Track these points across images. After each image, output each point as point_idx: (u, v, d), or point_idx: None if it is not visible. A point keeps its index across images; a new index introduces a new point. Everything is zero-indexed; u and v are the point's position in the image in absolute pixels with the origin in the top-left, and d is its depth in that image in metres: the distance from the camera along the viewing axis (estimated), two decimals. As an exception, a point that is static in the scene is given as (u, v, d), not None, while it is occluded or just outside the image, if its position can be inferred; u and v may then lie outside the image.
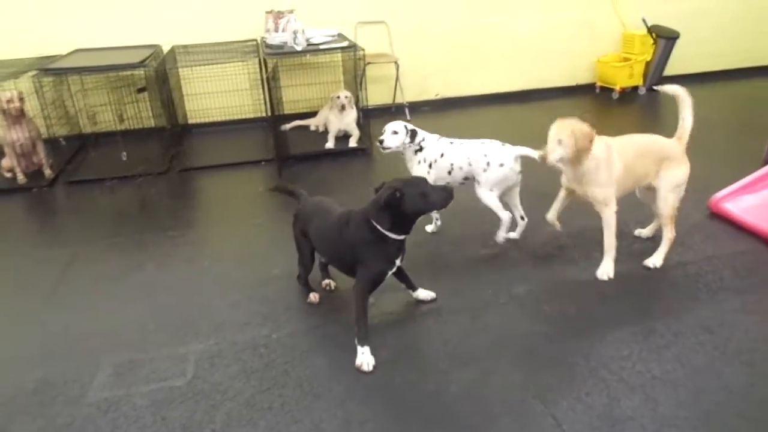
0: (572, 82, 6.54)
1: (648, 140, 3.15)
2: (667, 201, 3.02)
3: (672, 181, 3.01)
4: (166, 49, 5.22)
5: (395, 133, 3.25)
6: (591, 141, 2.78)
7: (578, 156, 2.79)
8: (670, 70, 6.39)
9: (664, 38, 6.16)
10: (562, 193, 3.11)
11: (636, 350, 2.48)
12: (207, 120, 5.63)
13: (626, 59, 6.25)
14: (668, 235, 3.08)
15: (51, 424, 2.22)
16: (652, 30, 6.16)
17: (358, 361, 2.43)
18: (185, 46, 5.27)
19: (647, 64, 6.27)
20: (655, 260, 3.08)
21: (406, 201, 2.39)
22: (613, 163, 2.90)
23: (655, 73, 6.33)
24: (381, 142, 3.25)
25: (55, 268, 3.32)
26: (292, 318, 2.79)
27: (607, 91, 6.39)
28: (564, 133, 2.77)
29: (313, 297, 2.89)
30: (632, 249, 3.27)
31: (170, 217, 3.97)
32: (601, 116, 6.00)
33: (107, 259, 3.43)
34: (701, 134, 4.31)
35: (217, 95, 5.46)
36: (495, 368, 2.42)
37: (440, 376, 2.39)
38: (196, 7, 5.38)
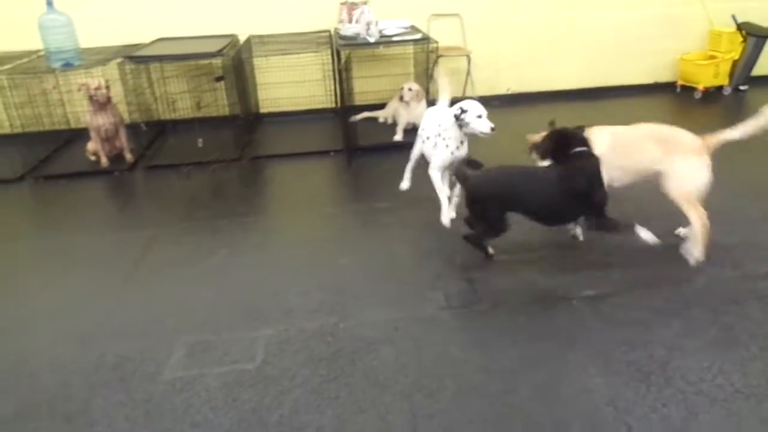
0: (651, 80, 6.27)
1: (655, 127, 3.19)
2: (679, 186, 2.98)
3: (680, 168, 2.99)
4: (242, 38, 5.34)
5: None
6: None
7: None
8: (759, 70, 6.03)
9: (755, 36, 5.81)
10: None
11: (718, 362, 2.36)
12: (278, 109, 5.73)
13: (712, 57, 5.94)
14: (694, 221, 2.96)
15: (130, 398, 2.32)
16: (741, 27, 5.82)
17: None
18: (261, 36, 5.38)
19: (734, 62, 5.94)
20: (696, 254, 2.98)
21: None
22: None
23: (743, 73, 5.98)
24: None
25: (135, 250, 3.46)
26: (360, 308, 2.81)
27: (688, 90, 6.09)
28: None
29: (493, 251, 3.16)
30: (716, 256, 3.10)
31: (242, 204, 4.07)
32: (682, 117, 5.73)
33: (183, 243, 3.55)
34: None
35: (290, 85, 5.55)
36: (566, 372, 2.36)
37: (509, 376, 2.35)
38: (273, -2, 5.48)
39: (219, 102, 5.06)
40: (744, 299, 2.75)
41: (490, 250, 3.16)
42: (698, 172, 2.98)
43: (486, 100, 5.88)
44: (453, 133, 3.34)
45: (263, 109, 5.79)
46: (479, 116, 3.23)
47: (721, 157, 4.37)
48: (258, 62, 5.48)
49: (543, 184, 2.89)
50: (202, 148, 4.94)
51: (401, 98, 5.07)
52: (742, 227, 3.39)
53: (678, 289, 2.85)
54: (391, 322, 2.69)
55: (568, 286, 2.90)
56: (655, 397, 2.21)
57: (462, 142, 3.38)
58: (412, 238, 3.43)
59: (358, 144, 4.97)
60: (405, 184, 3.86)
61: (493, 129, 3.22)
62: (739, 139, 3.00)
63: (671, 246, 3.14)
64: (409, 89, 5.07)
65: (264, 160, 4.87)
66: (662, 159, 3.01)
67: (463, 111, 3.24)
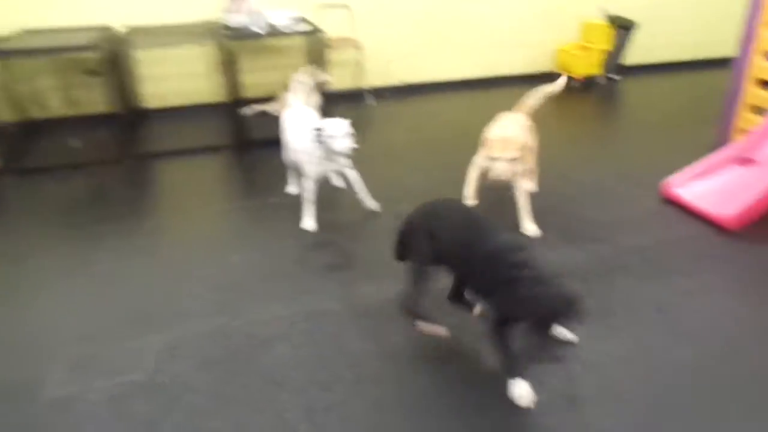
0: (534, 70, 6.61)
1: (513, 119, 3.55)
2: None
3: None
4: (120, 30, 5.04)
5: None
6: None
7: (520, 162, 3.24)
8: (629, 61, 6.53)
9: (622, 28, 6.28)
10: (474, 174, 3.50)
11: (593, 331, 2.55)
12: (164, 104, 5.48)
13: (585, 48, 6.35)
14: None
15: (4, 425, 2.15)
16: (610, 20, 6.26)
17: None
18: (140, 28, 5.10)
19: (606, 53, 6.38)
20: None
21: None
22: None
23: (613, 62, 6.45)
24: None
25: (7, 263, 3.20)
26: (253, 306, 2.77)
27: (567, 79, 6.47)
28: (512, 152, 3.15)
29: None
30: (590, 233, 3.34)
31: (126, 206, 3.86)
32: (561, 105, 6.07)
33: (62, 253, 3.31)
34: (658, 123, 4.42)
35: (175, 78, 5.32)
36: (456, 349, 2.46)
37: (405, 362, 2.41)
38: (152, -13, 5.22)
39: (96, 98, 4.76)
40: (614, 272, 2.98)
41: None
42: None
43: (379, 92, 6.02)
44: (315, 149, 3.31)
45: (148, 105, 5.51)
46: (337, 136, 3.21)
47: (591, 139, 4.70)
48: (139, 55, 5.20)
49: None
50: (79, 149, 4.63)
51: (292, 90, 5.00)
52: (612, 204, 3.67)
53: (557, 264, 3.04)
54: (286, 317, 2.67)
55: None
56: (538, 366, 2.34)
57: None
58: (306, 232, 3.42)
59: (250, 138, 4.87)
60: (292, 188, 3.90)
61: (353, 148, 3.25)
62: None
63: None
64: (300, 81, 5.01)
65: (150, 158, 4.64)
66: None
67: (319, 130, 3.23)
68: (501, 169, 3.16)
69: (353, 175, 3.57)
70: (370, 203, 3.65)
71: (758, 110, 4.09)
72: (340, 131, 3.22)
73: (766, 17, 3.96)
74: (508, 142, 3.19)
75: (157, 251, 3.30)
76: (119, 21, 5.07)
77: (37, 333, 2.62)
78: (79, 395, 2.26)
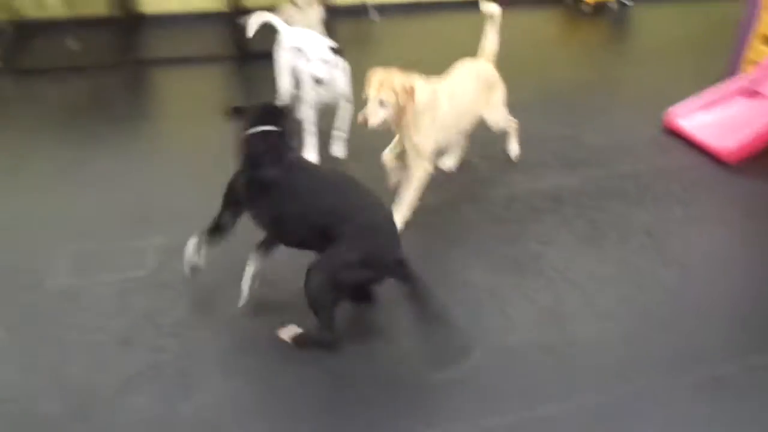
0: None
1: (474, 71, 2.88)
2: (500, 122, 3.09)
3: (500, 106, 3.04)
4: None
5: None
6: (413, 95, 2.48)
7: (401, 113, 2.51)
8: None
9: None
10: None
11: (583, 253, 2.62)
12: (164, 10, 5.31)
13: (599, -31, 6.11)
14: (512, 128, 3.23)
15: (8, 307, 2.23)
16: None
17: None
18: (138, -73, 4.88)
19: (620, -24, 6.15)
20: (515, 149, 3.28)
21: None
22: (439, 108, 2.62)
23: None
24: None
25: (8, 160, 3.21)
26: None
27: (578, 3, 6.26)
28: (385, 92, 2.42)
29: None
30: (588, 158, 3.35)
31: (124, 110, 3.83)
32: (569, 30, 5.94)
33: (61, 151, 3.32)
34: (667, 51, 4.34)
35: (174, -17, 5.14)
36: (449, 264, 2.53)
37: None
38: None
39: (96, 0, 4.62)
40: (609, 196, 3.02)
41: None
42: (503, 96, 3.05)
43: (383, 8, 5.84)
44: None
45: (147, 9, 5.34)
46: (312, 59, 2.92)
47: (597, 66, 4.61)
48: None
49: None
50: (77, 51, 4.53)
51: (293, 1, 4.85)
52: (612, 131, 3.66)
53: (553, 188, 3.08)
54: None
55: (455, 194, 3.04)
56: (528, 285, 2.43)
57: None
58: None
59: (250, 49, 4.75)
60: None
61: (320, 78, 2.92)
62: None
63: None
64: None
65: (148, 65, 4.55)
66: (486, 101, 2.94)
67: (298, 50, 3.05)
68: (367, 112, 2.47)
69: (344, 110, 3.18)
70: (338, 148, 3.28)
71: (771, 42, 4.00)
72: (315, 54, 2.90)
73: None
74: (385, 81, 2.45)
75: (156, 155, 3.31)
76: None
77: (40, 228, 2.68)
78: (84, 287, 2.35)
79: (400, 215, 2.65)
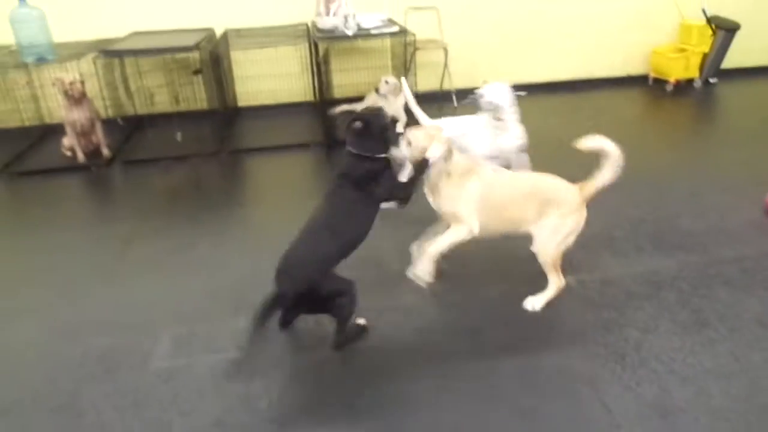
0: (624, 73, 6.41)
1: (535, 182, 2.71)
2: (546, 249, 2.63)
3: (554, 229, 2.60)
4: (219, 32, 5.32)
5: None
6: (423, 152, 2.56)
7: (418, 168, 2.58)
8: (728, 63, 6.20)
9: (724, 29, 5.97)
10: None
11: (688, 343, 2.46)
12: (257, 103, 5.73)
13: (683, 50, 6.09)
14: (554, 281, 2.70)
15: (117, 389, 2.34)
16: (711, 21, 5.97)
17: None
18: (238, 30, 5.37)
19: (704, 56, 6.09)
20: (535, 302, 2.70)
21: None
22: (471, 185, 2.60)
23: (713, 66, 6.15)
24: None
25: (116, 245, 3.45)
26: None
27: (660, 83, 6.24)
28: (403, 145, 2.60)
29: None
30: (685, 242, 3.22)
31: (222, 197, 4.09)
32: (654, 109, 5.88)
33: (164, 236, 3.55)
34: (758, 130, 4.21)
35: (268, 78, 5.56)
36: (544, 351, 2.44)
37: (494, 357, 2.42)
38: (250, -9, 5.47)
39: (197, 96, 5.05)
40: (712, 283, 2.86)
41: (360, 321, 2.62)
42: (572, 231, 2.64)
43: (464, 93, 6.01)
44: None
45: (242, 103, 5.78)
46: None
47: (687, 146, 4.51)
48: (235, 55, 5.47)
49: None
50: (181, 142, 4.93)
51: (378, 91, 5.11)
52: (709, 214, 3.51)
53: (649, 273, 2.95)
54: (373, 311, 2.73)
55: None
56: (630, 376, 2.30)
57: None
58: (393, 226, 3.47)
59: (338, 137, 5.00)
60: None
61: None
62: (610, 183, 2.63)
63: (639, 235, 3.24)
64: (386, 82, 5.11)
65: (243, 153, 4.88)
66: (536, 219, 2.63)
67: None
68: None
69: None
70: None
71: None
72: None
73: None
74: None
75: (251, 240, 3.46)
76: (220, 23, 5.36)
77: (144, 310, 2.83)
78: (183, 368, 2.42)
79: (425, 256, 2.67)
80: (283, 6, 5.52)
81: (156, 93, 5.29)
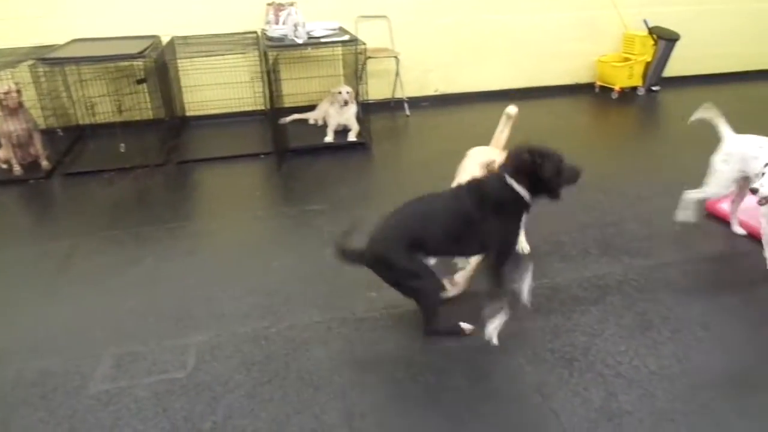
0: (572, 81, 6.56)
1: (483, 155, 2.92)
2: None
3: None
4: (165, 40, 5.20)
5: None
6: None
7: None
8: (669, 72, 6.42)
9: (665, 39, 6.18)
10: None
11: (634, 346, 2.51)
12: (205, 112, 5.61)
13: (626, 59, 6.27)
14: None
15: (52, 415, 2.22)
16: (652, 31, 6.18)
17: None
18: (185, 38, 5.25)
19: (647, 65, 6.29)
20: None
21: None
22: None
23: (655, 74, 6.36)
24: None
25: (54, 261, 3.31)
26: (291, 311, 2.80)
27: (606, 90, 6.41)
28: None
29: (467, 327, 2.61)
30: (631, 246, 3.29)
31: (169, 210, 3.96)
32: (601, 116, 6.03)
33: (106, 252, 3.42)
34: (701, 134, 4.32)
35: (217, 87, 5.45)
36: (492, 360, 2.44)
37: (446, 368, 2.40)
38: (197, -2, 5.37)
39: (142, 105, 4.91)
40: (656, 286, 2.93)
41: (464, 326, 2.60)
42: None
43: (415, 101, 6.05)
44: None
45: (190, 112, 5.65)
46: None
47: (632, 151, 4.63)
48: (182, 64, 5.34)
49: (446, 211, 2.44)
50: (125, 154, 4.77)
51: (344, 102, 5.09)
52: (653, 218, 3.60)
53: (596, 278, 3.00)
54: (324, 323, 2.70)
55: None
56: (577, 381, 2.32)
57: None
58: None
59: (289, 146, 4.94)
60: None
61: None
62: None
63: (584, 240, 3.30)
64: (339, 92, 5.09)
65: (191, 164, 4.76)
66: None
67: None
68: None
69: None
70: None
71: (807, 124, 3.97)
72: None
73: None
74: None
75: (199, 254, 3.37)
76: (165, 31, 5.23)
77: (83, 330, 2.71)
78: (124, 390, 2.32)
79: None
80: (232, 14, 5.44)
81: (98, 102, 5.11)
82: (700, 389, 2.27)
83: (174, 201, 4.17)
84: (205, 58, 5.06)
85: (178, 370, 2.43)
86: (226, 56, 5.09)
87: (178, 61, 5.24)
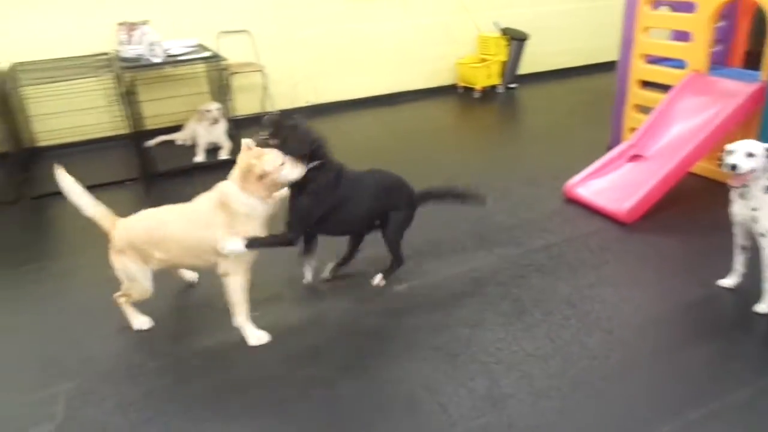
0: (435, 84, 6.82)
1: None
2: None
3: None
4: (4, 66, 4.77)
5: (750, 155, 2.48)
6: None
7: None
8: (523, 69, 6.87)
9: (516, 39, 6.61)
10: None
11: (511, 331, 2.65)
12: (60, 141, 5.21)
13: (483, 60, 6.63)
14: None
15: None
16: (504, 32, 6.58)
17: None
18: (28, 63, 4.85)
19: (503, 64, 6.69)
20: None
21: None
22: None
23: (511, 72, 6.77)
24: (733, 167, 2.48)
25: None
26: (166, 343, 2.66)
27: (468, 91, 6.73)
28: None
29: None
30: (501, 237, 3.47)
31: (24, 250, 3.63)
32: (465, 115, 6.32)
33: (-48, 304, 3.07)
34: (556, 126, 4.69)
35: (70, 114, 5.08)
36: (380, 365, 2.48)
37: (327, 379, 2.40)
38: (38, 20, 4.97)
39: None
40: (526, 272, 3.11)
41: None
42: None
43: (288, 114, 5.99)
44: None
45: (42, 143, 5.22)
46: None
47: (496, 146, 4.88)
48: (28, 92, 4.92)
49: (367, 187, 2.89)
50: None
51: (215, 120, 4.92)
52: (519, 208, 3.83)
53: (472, 271, 3.13)
54: (200, 352, 2.59)
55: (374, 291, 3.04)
56: (462, 373, 2.41)
57: None
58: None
59: (157, 170, 4.71)
60: None
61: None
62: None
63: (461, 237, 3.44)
64: (209, 110, 4.94)
65: (48, 198, 4.37)
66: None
67: None
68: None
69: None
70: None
71: (643, 109, 4.41)
72: None
73: (641, 23, 4.30)
74: None
75: (63, 295, 3.12)
76: (5, 58, 4.80)
77: (-71, 397, 2.41)
78: (-19, 458, 2.10)
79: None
80: (79, 36, 5.10)
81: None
82: (570, 365, 2.44)
83: (30, 240, 3.83)
84: (53, 84, 4.70)
85: (45, 423, 2.22)
86: (77, 80, 4.76)
87: (23, 88, 4.83)
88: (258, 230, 2.53)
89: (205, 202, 2.59)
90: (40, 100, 4.96)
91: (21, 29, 4.93)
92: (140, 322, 2.76)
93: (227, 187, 2.54)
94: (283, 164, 2.51)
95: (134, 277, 2.63)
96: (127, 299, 2.73)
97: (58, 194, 4.33)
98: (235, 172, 2.53)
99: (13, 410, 2.31)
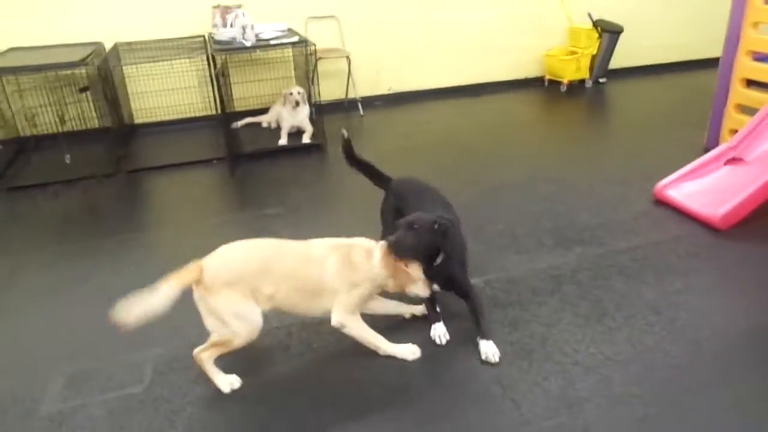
0: (521, 76, 6.67)
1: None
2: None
3: None
4: (108, 46, 5.06)
5: None
6: None
7: None
8: (614, 64, 6.59)
9: (609, 32, 6.35)
10: None
11: (590, 333, 2.56)
12: (155, 119, 5.49)
13: (573, 53, 6.41)
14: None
15: (2, 438, 2.14)
16: (597, 24, 6.33)
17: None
18: (129, 43, 5.12)
19: (593, 57, 6.44)
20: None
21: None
22: None
23: (601, 67, 6.52)
24: None
25: (-1, 278, 3.18)
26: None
27: (555, 84, 6.54)
28: None
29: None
30: (583, 236, 3.36)
31: (120, 221, 3.86)
32: (551, 109, 6.15)
33: (55, 268, 3.30)
34: (647, 125, 4.48)
35: (165, 93, 5.34)
36: (455, 356, 2.46)
37: (402, 366, 2.41)
38: (140, 2, 5.23)
39: (86, 114, 4.77)
40: (608, 273, 3.00)
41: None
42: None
43: (368, 101, 6.05)
44: None
45: (138, 120, 5.51)
46: None
47: (582, 143, 4.73)
48: (129, 71, 5.21)
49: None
50: (70, 165, 4.62)
51: (296, 103, 5.04)
52: (603, 207, 3.69)
53: (551, 269, 3.06)
54: (284, 329, 2.67)
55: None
56: (537, 371, 2.36)
57: None
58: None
59: (242, 151, 4.87)
60: None
61: None
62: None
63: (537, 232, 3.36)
64: (291, 93, 5.05)
65: (142, 173, 4.64)
66: None
67: None
68: None
69: None
70: None
71: (746, 110, 4.14)
72: None
73: (750, 17, 4.02)
74: None
75: (154, 265, 3.27)
76: (109, 38, 5.09)
77: (34, 349, 2.61)
78: (78, 409, 2.25)
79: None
80: (177, 18, 5.32)
81: (39, 113, 4.92)
82: (652, 372, 2.34)
83: (125, 212, 4.06)
84: (151, 64, 4.96)
85: (134, 385, 2.37)
86: (173, 61, 5.00)
87: (124, 67, 5.12)
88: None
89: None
90: (139, 79, 5.24)
91: (124, 11, 5.20)
92: (229, 382, 2.34)
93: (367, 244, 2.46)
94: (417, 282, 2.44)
95: (243, 315, 2.28)
96: (215, 352, 2.33)
97: (151, 169, 4.64)
98: (382, 249, 2.40)
99: (103, 372, 2.46)
